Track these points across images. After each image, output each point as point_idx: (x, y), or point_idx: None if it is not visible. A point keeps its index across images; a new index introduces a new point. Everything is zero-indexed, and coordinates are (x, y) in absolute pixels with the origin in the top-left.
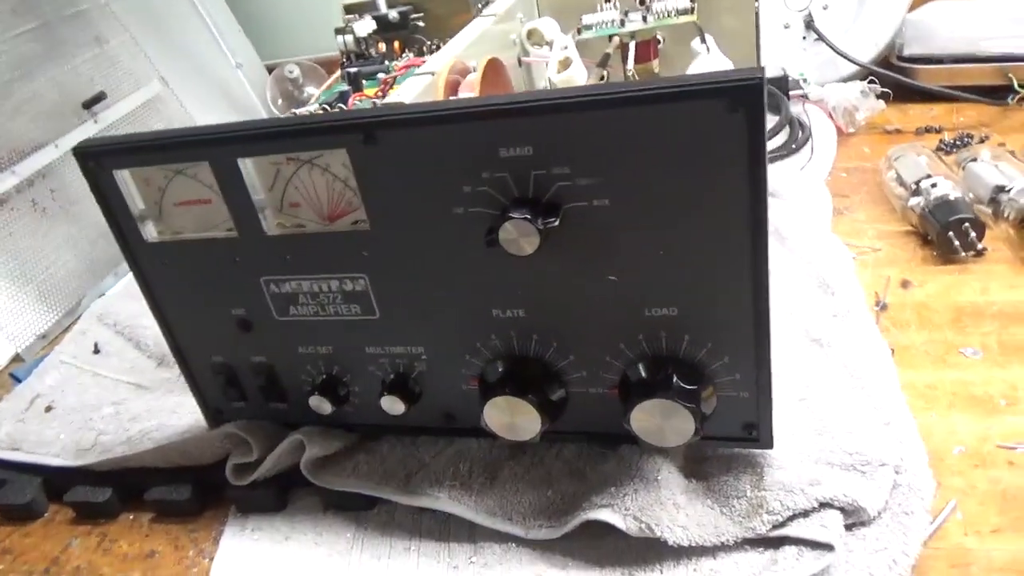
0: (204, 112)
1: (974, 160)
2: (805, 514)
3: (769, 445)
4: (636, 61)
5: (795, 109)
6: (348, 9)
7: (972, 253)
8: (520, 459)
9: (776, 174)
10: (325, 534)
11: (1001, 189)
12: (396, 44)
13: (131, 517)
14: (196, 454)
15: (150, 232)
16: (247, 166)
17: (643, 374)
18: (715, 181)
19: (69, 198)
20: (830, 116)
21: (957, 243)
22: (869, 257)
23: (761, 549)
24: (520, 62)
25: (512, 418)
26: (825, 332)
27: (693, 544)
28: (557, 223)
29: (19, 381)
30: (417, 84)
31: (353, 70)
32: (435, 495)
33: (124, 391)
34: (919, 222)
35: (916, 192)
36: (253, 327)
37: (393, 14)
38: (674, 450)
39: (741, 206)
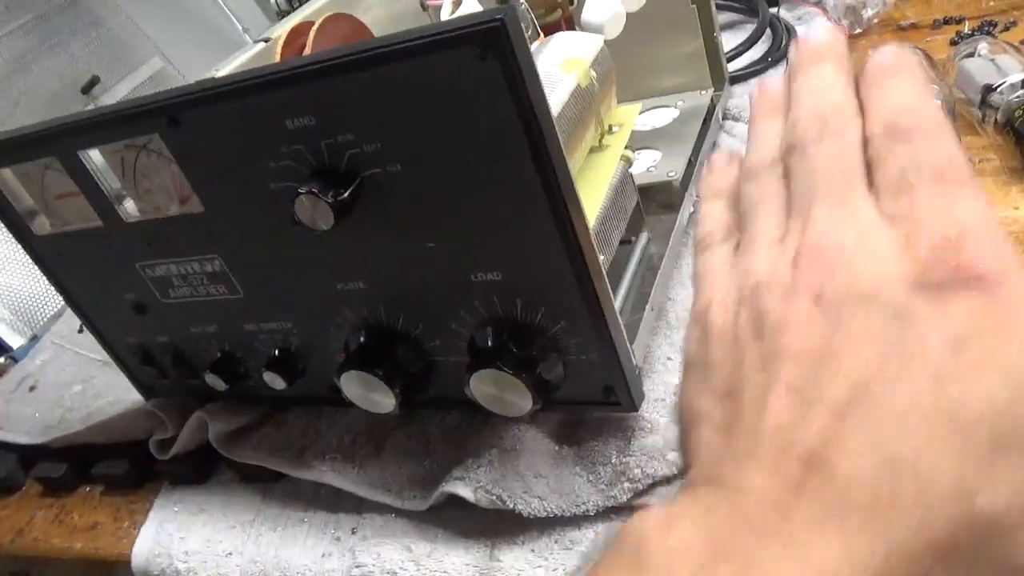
0: None
1: (970, 55)
2: (668, 481)
3: (632, 407)
4: None
5: (791, 15)
6: None
7: None
8: (406, 428)
9: (743, 95)
10: (235, 506)
11: (990, 88)
12: None
13: (87, 490)
14: (129, 430)
15: (39, 226)
16: (91, 157)
17: (481, 342)
18: (486, 137)
19: None
20: (828, 16)
21: None
22: None
23: (625, 518)
24: (423, 5)
25: (366, 391)
26: None
27: (550, 515)
28: (347, 195)
29: (17, 361)
30: (251, 54)
31: None
32: (320, 468)
33: (95, 368)
34: None
35: None
36: (147, 310)
37: None
38: (545, 415)
39: (521, 162)
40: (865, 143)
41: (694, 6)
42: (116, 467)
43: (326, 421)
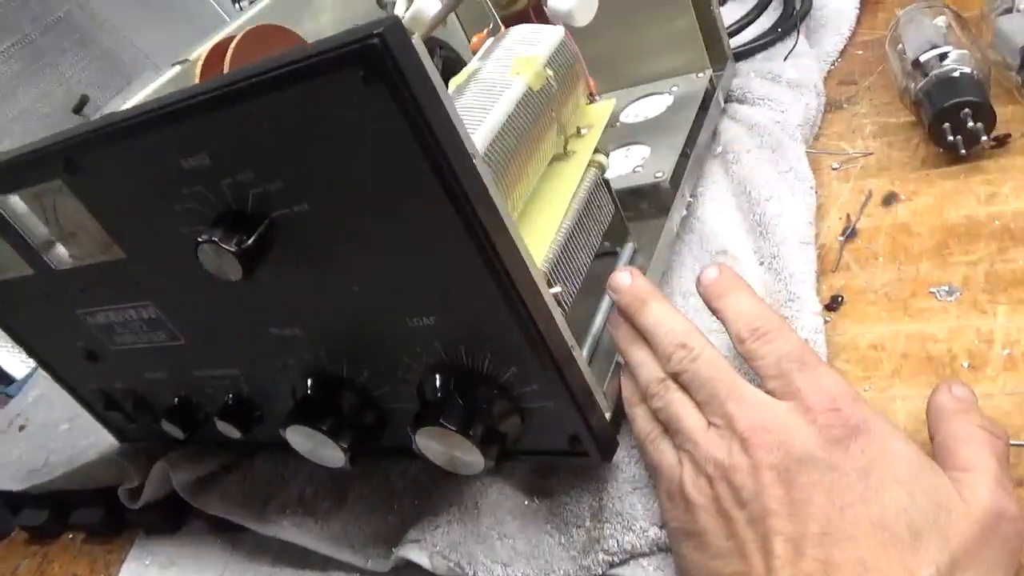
0: None
1: (1008, 11)
2: (647, 555)
3: (603, 458)
4: None
5: None
6: None
7: (979, 147)
8: (369, 478)
9: (749, 72)
10: (203, 560)
11: None
12: None
13: (70, 537)
14: (100, 478)
15: None
16: (9, 203)
17: (427, 393)
18: (388, 170)
19: None
20: None
21: (952, 137)
22: (856, 165)
23: None
24: (381, 4)
25: (315, 446)
26: None
27: None
28: (252, 241)
29: (11, 398)
30: (166, 79)
31: None
32: (281, 523)
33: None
34: (915, 111)
35: (919, 69)
36: (99, 357)
37: None
38: (513, 463)
39: (430, 196)
40: (737, 341)
41: None
42: (92, 515)
43: (292, 468)
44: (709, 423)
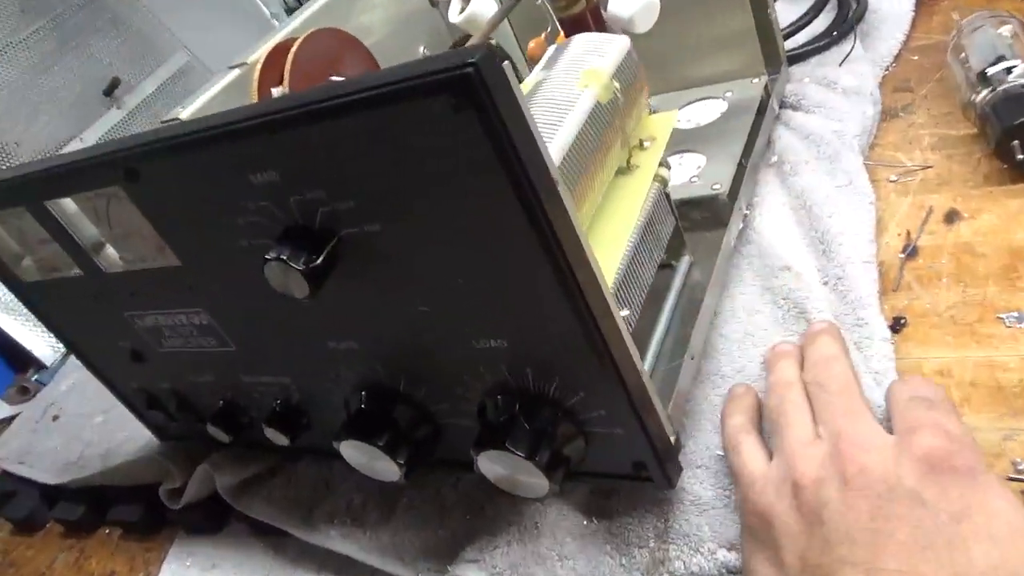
0: None
1: None
2: None
3: (667, 484)
4: None
5: None
6: None
7: None
8: (419, 490)
9: (803, 78)
10: (246, 563)
11: None
12: None
13: (107, 532)
14: (140, 476)
15: (25, 272)
16: (61, 206)
17: (490, 414)
18: (472, 196)
19: None
20: None
21: (1022, 155)
22: (915, 179)
23: None
24: (433, 2)
25: (369, 460)
26: (800, 311)
27: None
28: (320, 260)
29: (43, 386)
30: (224, 83)
31: None
32: (328, 532)
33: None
34: (980, 125)
35: (984, 81)
36: (144, 358)
37: None
38: (572, 483)
39: (513, 222)
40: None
41: None
42: (131, 512)
43: (338, 475)
44: (816, 436)
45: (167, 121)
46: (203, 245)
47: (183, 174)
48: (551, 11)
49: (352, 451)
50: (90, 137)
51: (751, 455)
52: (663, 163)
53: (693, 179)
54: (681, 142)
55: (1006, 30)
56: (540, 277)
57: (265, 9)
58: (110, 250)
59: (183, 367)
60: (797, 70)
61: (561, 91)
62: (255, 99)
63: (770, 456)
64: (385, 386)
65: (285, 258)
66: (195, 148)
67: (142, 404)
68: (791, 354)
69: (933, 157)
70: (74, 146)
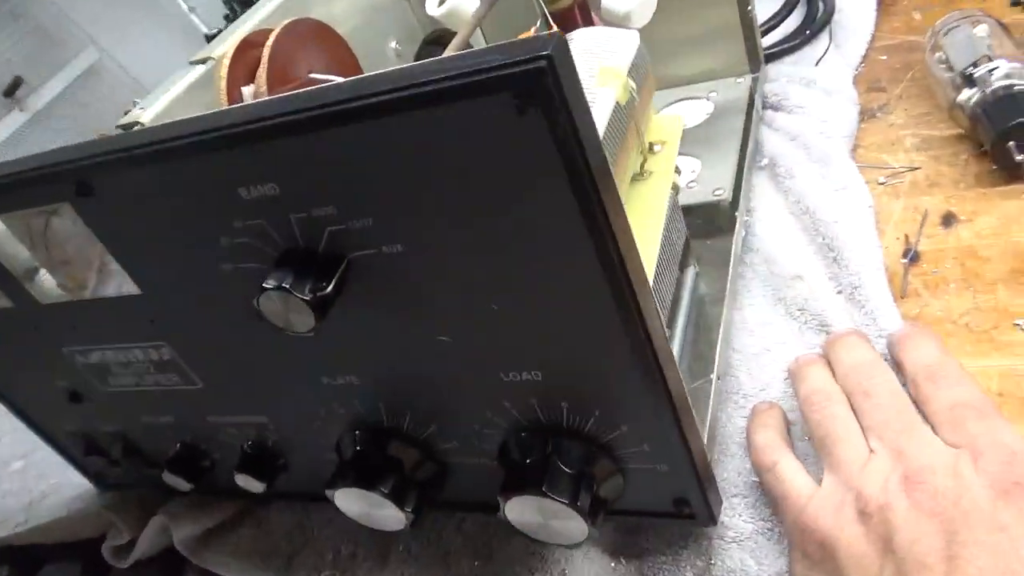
0: (154, 72)
1: None
2: None
3: (709, 521)
4: None
5: None
6: None
7: None
8: (416, 533)
9: (780, 77)
10: None
11: None
12: None
13: None
14: (78, 531)
15: None
16: None
17: (515, 454)
18: (527, 209)
19: None
20: None
21: (1019, 156)
22: (903, 180)
23: None
24: None
25: (369, 508)
26: (820, 322)
27: None
28: (331, 289)
29: None
30: (187, 82)
31: None
32: None
33: (35, 437)
34: (970, 126)
35: (968, 82)
36: (83, 398)
37: None
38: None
39: (574, 243)
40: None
41: None
42: (67, 573)
43: (317, 519)
44: (870, 451)
45: (124, 126)
46: (171, 271)
47: (150, 188)
48: (541, 5)
49: (348, 500)
50: None
51: (793, 476)
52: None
53: (691, 184)
54: None
55: (981, 30)
56: (598, 300)
57: (182, 4)
58: (46, 277)
59: (134, 407)
60: (773, 69)
61: None
62: (223, 99)
63: (812, 475)
64: (386, 425)
65: (288, 286)
66: (169, 158)
67: (78, 449)
68: (819, 362)
69: (919, 158)
70: None
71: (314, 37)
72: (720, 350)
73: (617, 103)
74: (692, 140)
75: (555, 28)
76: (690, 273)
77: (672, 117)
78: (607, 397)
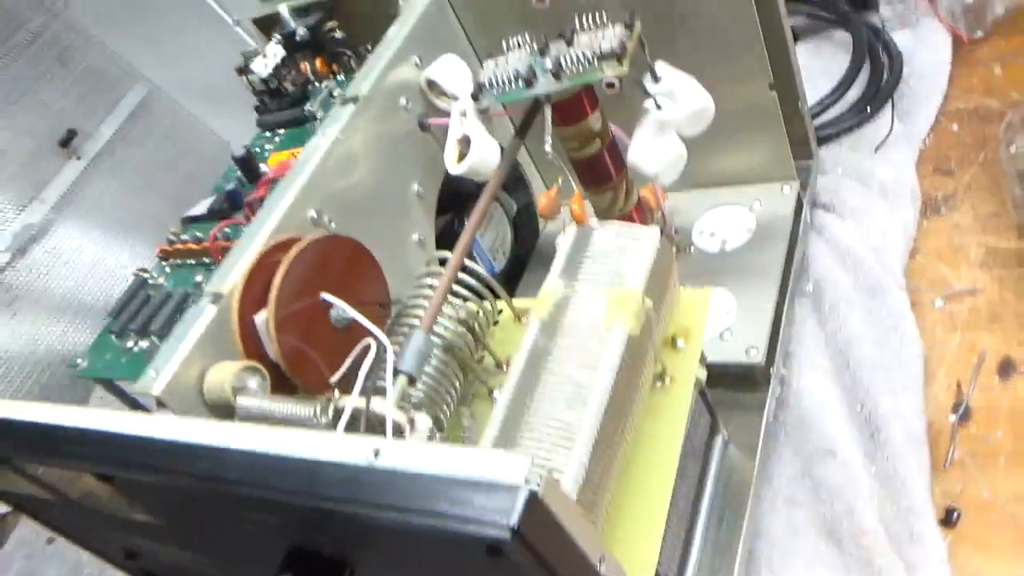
0: (206, 95)
1: None
2: None
3: None
4: (562, 122)
5: (892, 15)
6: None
7: None
8: None
9: (836, 168)
10: None
11: None
12: (318, 62)
13: None
14: None
15: None
16: None
17: None
18: None
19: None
20: (940, 19)
21: None
22: (962, 306)
23: None
24: (423, 126)
25: None
26: (847, 508)
27: None
28: None
29: None
30: (203, 325)
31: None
32: None
33: None
34: None
35: None
36: None
37: (301, 30)
38: None
39: None
40: None
41: (773, 93)
42: None
43: None
44: None
45: (137, 394)
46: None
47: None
48: (565, 161)
49: None
50: (50, 196)
51: None
52: (700, 360)
53: (724, 334)
54: (706, 270)
55: None
56: None
57: (226, 16)
58: None
59: None
60: (828, 153)
61: (585, 329)
62: (236, 331)
63: None
64: None
65: None
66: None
67: None
68: None
69: (982, 277)
70: (35, 208)
71: (339, 260)
72: (745, 540)
73: (630, 337)
74: (729, 268)
75: (578, 186)
76: (719, 443)
77: (700, 294)
78: None
